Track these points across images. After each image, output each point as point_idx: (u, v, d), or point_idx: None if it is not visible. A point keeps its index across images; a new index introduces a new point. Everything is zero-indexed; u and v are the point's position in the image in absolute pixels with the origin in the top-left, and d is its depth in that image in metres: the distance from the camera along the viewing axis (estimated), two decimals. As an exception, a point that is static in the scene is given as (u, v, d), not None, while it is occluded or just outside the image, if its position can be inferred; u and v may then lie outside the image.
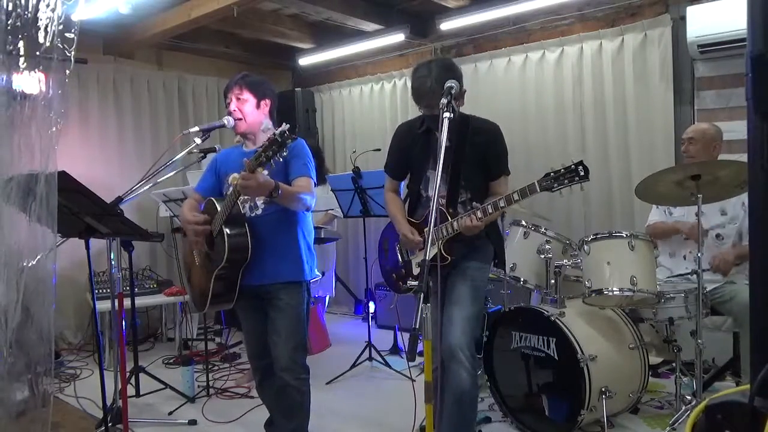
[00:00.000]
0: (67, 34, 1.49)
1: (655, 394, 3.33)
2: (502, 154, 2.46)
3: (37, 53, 1.49)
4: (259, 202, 2.46)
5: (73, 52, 1.50)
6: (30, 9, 1.47)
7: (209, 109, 5.74)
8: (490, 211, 2.22)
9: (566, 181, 2.06)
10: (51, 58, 1.49)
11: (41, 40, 1.48)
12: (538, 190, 2.11)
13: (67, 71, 1.51)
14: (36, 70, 1.51)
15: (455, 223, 2.31)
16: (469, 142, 2.39)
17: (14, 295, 1.53)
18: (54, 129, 1.52)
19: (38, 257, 1.56)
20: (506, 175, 2.46)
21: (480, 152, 2.40)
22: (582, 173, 2.04)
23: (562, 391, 2.79)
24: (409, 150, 2.57)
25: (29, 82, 1.53)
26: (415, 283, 2.42)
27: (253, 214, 2.46)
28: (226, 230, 2.36)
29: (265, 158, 2.10)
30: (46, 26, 1.48)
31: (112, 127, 5.12)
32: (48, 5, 1.48)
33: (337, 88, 6.09)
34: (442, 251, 2.33)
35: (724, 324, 3.28)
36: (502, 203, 2.20)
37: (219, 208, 2.42)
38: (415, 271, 2.55)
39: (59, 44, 1.48)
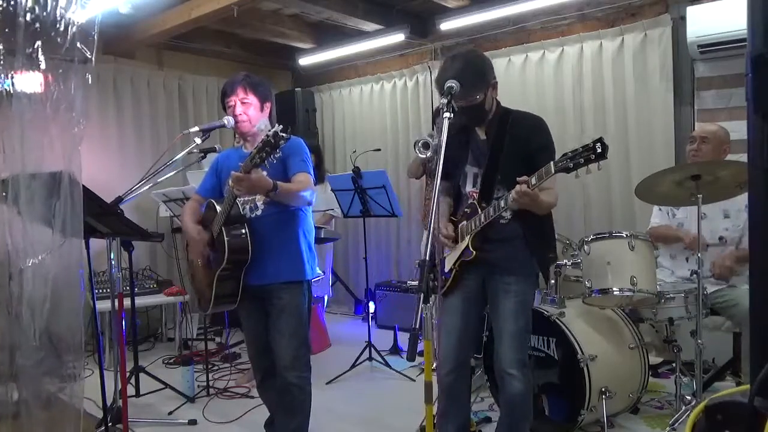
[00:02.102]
0: (87, 37, 1.50)
1: (655, 394, 3.33)
2: (548, 146, 2.31)
3: (57, 55, 1.50)
4: (260, 203, 2.46)
5: (94, 54, 1.50)
6: (49, 11, 1.47)
7: (209, 109, 5.73)
8: (511, 199, 2.11)
9: (582, 160, 1.95)
10: (72, 60, 1.49)
11: (60, 41, 1.48)
12: (553, 171, 2.00)
13: (88, 74, 1.51)
14: (56, 72, 1.52)
15: (482, 216, 2.24)
16: (509, 134, 2.29)
17: (36, 295, 1.53)
18: (77, 129, 1.52)
19: (59, 256, 1.57)
20: None
21: (521, 145, 2.28)
22: (599, 150, 1.92)
23: (562, 391, 2.79)
24: (449, 149, 2.47)
25: (50, 83, 1.53)
26: (414, 283, 2.42)
27: (253, 215, 2.47)
28: (226, 231, 2.37)
29: (259, 159, 2.10)
30: (66, 28, 1.48)
31: (112, 127, 5.12)
32: (66, 7, 1.48)
33: (337, 88, 6.09)
34: (470, 246, 2.29)
35: (724, 324, 3.27)
36: (519, 188, 2.09)
37: (218, 210, 2.42)
38: (447, 268, 2.45)
39: (79, 46, 1.49)
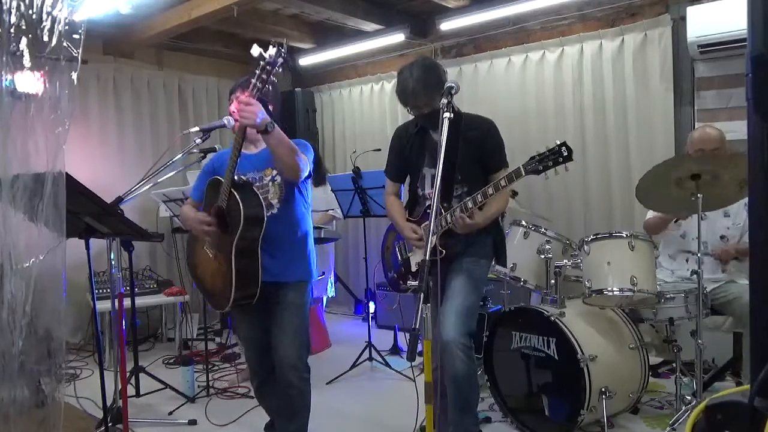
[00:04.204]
0: (73, 35, 1.49)
1: (655, 394, 3.33)
2: (499, 147, 2.49)
3: (43, 53, 1.49)
4: (274, 201, 2.46)
5: (80, 53, 1.50)
6: (35, 9, 1.47)
7: (209, 109, 5.73)
8: (480, 199, 2.26)
9: (550, 162, 2.10)
10: (58, 58, 1.49)
11: (46, 40, 1.48)
12: (524, 174, 2.15)
13: (74, 72, 1.50)
14: (42, 70, 1.51)
15: (448, 216, 2.35)
16: (462, 137, 2.41)
17: (22, 295, 1.53)
18: (61, 129, 1.52)
19: (43, 256, 1.56)
20: (505, 167, 2.47)
21: (474, 147, 2.43)
22: (565, 153, 2.09)
23: (562, 391, 2.79)
24: (406, 151, 2.60)
25: (35, 82, 1.52)
26: (415, 282, 2.45)
27: (269, 213, 2.43)
28: (236, 191, 2.32)
29: (260, 83, 2.12)
30: (52, 27, 1.48)
31: (112, 127, 5.11)
32: (53, 5, 1.48)
33: (337, 88, 6.09)
34: (438, 245, 2.34)
35: (724, 324, 3.27)
36: (490, 191, 2.25)
37: (221, 186, 2.36)
38: (414, 269, 2.56)
39: (66, 45, 1.48)
